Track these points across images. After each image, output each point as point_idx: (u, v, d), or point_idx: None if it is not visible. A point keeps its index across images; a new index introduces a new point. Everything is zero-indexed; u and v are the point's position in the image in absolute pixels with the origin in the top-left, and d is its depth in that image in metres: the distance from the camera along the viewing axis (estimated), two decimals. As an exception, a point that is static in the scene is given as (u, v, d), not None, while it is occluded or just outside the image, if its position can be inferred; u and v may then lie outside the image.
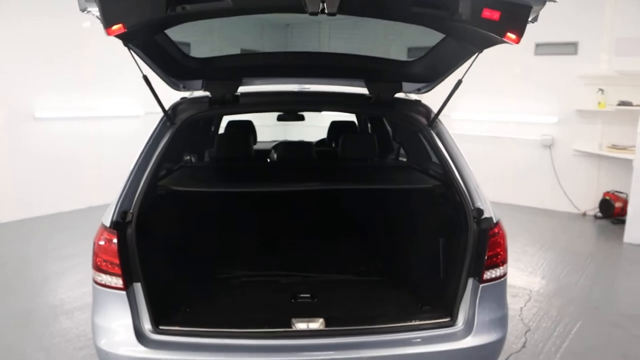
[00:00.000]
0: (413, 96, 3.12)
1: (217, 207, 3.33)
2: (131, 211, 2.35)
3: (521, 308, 4.29)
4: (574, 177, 7.83)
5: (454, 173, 2.59)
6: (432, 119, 2.80)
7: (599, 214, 7.50)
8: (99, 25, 1.86)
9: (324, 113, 8.98)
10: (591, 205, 7.68)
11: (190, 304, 2.61)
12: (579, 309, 4.30)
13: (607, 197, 7.37)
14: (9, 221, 6.72)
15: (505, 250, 2.48)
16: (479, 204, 2.49)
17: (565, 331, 3.88)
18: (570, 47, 7.65)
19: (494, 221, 2.45)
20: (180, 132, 2.69)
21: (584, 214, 7.67)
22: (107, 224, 2.32)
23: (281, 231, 3.45)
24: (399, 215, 3.29)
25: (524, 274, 5.10)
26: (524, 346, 3.64)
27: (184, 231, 3.04)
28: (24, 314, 4.03)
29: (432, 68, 2.79)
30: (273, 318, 2.41)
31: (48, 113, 7.05)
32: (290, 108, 2.90)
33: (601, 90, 7.37)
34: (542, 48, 7.83)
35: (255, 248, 3.41)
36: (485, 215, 2.45)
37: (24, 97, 6.85)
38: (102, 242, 2.31)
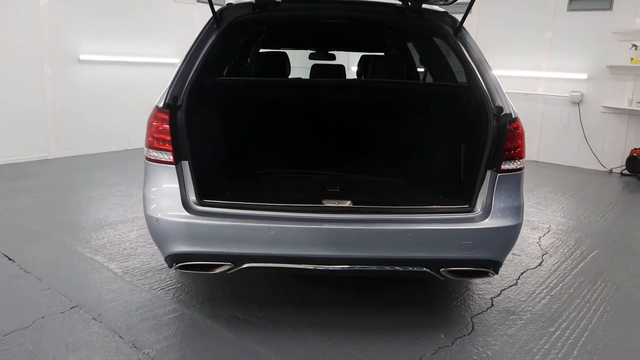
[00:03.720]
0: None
1: (256, 109, 3.56)
2: (181, 97, 2.60)
3: (540, 237, 4.46)
4: (601, 135, 7.83)
5: (476, 74, 2.75)
6: (457, 27, 2.95)
7: (626, 171, 7.51)
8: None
9: (353, 59, 9.09)
10: (618, 163, 7.69)
11: (231, 189, 2.87)
12: (597, 241, 4.44)
13: (635, 154, 7.37)
14: (55, 158, 7.13)
15: (522, 146, 2.66)
16: (499, 102, 2.66)
17: (581, 256, 4.04)
18: (604, 3, 7.57)
19: (513, 117, 2.63)
20: (225, 35, 2.91)
21: (610, 172, 7.69)
22: (160, 105, 2.58)
23: (313, 136, 3.67)
24: (424, 122, 3.46)
25: (544, 214, 5.24)
26: (540, 265, 3.82)
27: (227, 126, 3.29)
28: (72, 225, 4.38)
29: None
30: (306, 199, 2.64)
31: (91, 57, 7.38)
32: (327, 13, 3.05)
33: (635, 46, 7.30)
34: (576, 3, 7.77)
35: (289, 150, 3.64)
36: (505, 111, 2.62)
37: (69, 40, 7.19)
38: (155, 122, 2.57)
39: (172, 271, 3.41)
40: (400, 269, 2.55)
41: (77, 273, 3.41)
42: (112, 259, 3.64)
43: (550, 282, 3.50)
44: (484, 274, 2.67)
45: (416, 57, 4.62)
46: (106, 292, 3.13)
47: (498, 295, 3.25)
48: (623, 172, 7.56)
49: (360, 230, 2.48)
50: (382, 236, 2.49)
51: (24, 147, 6.85)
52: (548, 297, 3.27)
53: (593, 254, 4.11)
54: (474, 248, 2.52)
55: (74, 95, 7.31)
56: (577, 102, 7.98)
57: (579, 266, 3.83)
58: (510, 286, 3.40)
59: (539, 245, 4.25)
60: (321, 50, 5.15)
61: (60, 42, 7.08)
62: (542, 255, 4.01)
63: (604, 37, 7.58)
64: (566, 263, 3.88)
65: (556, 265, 3.84)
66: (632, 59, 7.36)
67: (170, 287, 3.21)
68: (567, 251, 4.15)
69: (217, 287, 3.21)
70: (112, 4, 7.50)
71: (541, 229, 4.68)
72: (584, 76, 7.87)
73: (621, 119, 7.64)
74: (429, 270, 2.56)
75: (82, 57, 7.31)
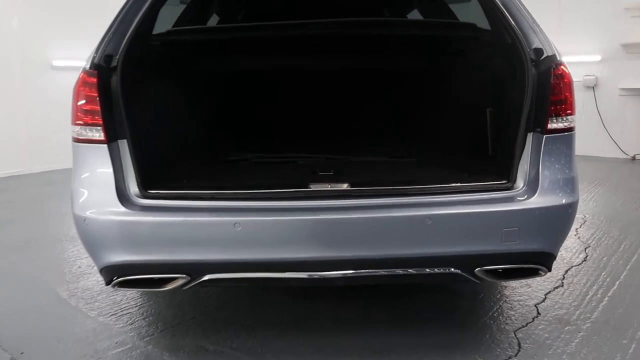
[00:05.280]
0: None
1: (227, 77, 2.89)
2: (117, 56, 1.94)
3: (576, 229, 3.76)
4: (620, 119, 7.16)
5: (502, 11, 2.09)
6: None
7: (651, 157, 6.84)
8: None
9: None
10: (640, 149, 7.02)
11: (190, 177, 2.19)
12: (644, 231, 3.75)
13: (660, 138, 6.70)
14: (30, 173, 6.43)
15: (572, 98, 2.00)
16: (537, 44, 2.00)
17: (631, 248, 3.35)
18: (614, -23, 6.98)
19: (558, 59, 1.97)
20: None
21: (633, 158, 7.01)
22: (88, 66, 1.92)
23: (300, 108, 3.00)
24: (436, 85, 2.80)
25: (574, 203, 4.54)
26: (585, 260, 3.13)
27: (187, 98, 2.60)
28: (24, 241, 3.68)
29: None
30: (288, 184, 1.97)
31: (66, 62, 6.70)
32: None
33: (652, 20, 6.68)
34: (584, -21, 7.17)
35: (269, 128, 2.98)
36: (547, 54, 1.97)
37: (40, 45, 6.54)
38: (82, 90, 1.92)
39: (131, 292, 2.72)
40: (421, 271, 1.85)
41: (7, 297, 2.72)
42: (60, 279, 2.95)
43: (604, 281, 2.81)
44: (533, 273, 1.98)
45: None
46: (41, 321, 2.44)
47: (543, 301, 2.55)
48: (648, 158, 6.89)
49: (364, 220, 1.80)
50: (394, 227, 1.81)
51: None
52: (606, 299, 2.58)
53: (644, 245, 3.42)
54: (520, 237, 1.84)
55: (48, 105, 6.59)
56: (592, 87, 7.33)
57: (633, 259, 3.14)
58: (556, 288, 2.71)
59: (578, 238, 3.56)
60: None
61: (30, 47, 6.44)
62: (585, 249, 3.32)
63: (616, 14, 6.95)
64: (616, 256, 3.19)
65: (605, 259, 3.14)
66: (649, 34, 6.73)
67: (125, 312, 2.52)
68: (613, 243, 3.46)
69: (184, 308, 2.53)
70: (88, 2, 6.84)
71: (576, 220, 3.97)
72: (597, 58, 7.23)
73: (641, 101, 6.99)
74: (459, 271, 1.87)
75: (56, 63, 6.66)
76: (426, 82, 2.91)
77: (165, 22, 2.63)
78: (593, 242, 3.47)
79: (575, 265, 3.03)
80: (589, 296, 2.61)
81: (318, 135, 2.86)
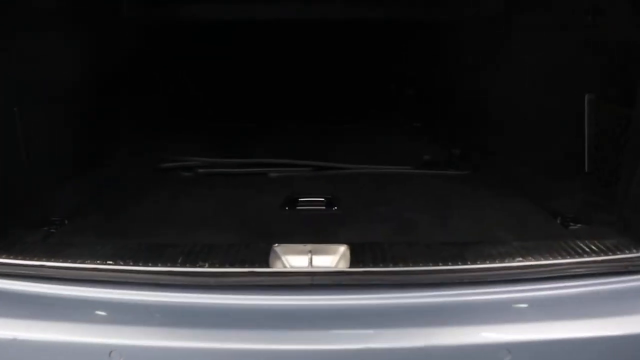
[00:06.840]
0: None
1: (154, 23, 2.10)
2: None
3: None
4: None
5: None
6: None
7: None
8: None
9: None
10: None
11: (73, 213, 1.33)
12: None
13: None
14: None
15: None
16: None
17: None
18: None
19: None
20: None
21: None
22: None
23: (275, 80, 2.12)
24: (495, 52, 1.94)
25: None
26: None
27: (76, 63, 1.71)
28: None
29: None
30: (228, 244, 1.10)
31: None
32: None
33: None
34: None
35: (227, 118, 2.13)
36: None
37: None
38: None
39: None
40: None
41: None
42: None
43: None
44: None
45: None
46: None
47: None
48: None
49: (379, 353, 0.91)
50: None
51: None
52: None
53: None
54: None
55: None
56: None
57: None
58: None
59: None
60: None
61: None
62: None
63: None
64: None
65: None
66: None
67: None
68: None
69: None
70: None
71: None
72: None
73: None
74: None
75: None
76: (474, 44, 2.04)
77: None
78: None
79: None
80: None
81: (303, 127, 2.00)
